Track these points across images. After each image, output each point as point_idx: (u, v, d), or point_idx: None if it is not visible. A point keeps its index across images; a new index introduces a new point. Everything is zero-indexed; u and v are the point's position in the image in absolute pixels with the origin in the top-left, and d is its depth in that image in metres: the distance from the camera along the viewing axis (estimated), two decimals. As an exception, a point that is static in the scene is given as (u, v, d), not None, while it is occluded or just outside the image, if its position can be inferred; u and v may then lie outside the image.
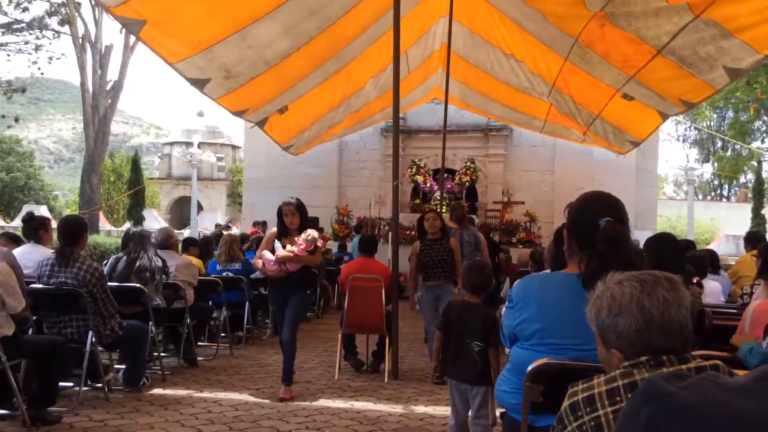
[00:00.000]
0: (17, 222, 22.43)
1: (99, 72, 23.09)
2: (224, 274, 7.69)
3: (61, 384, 4.87)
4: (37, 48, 24.54)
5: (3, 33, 24.42)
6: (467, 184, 15.00)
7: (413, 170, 15.06)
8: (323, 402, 5.38)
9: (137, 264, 5.84)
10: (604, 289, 1.59)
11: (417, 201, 15.11)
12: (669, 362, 1.49)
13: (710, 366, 1.50)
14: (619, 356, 1.56)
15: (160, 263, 5.97)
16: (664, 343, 1.50)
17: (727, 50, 5.55)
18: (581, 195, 2.44)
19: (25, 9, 23.56)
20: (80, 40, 22.96)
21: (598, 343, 1.65)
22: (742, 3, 4.94)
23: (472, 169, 14.99)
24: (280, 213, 5.63)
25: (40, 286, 5.01)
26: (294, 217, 5.59)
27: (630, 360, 1.53)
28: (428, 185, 14.92)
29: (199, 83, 6.95)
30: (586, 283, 2.16)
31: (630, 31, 6.01)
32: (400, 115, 7.15)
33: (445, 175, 12.60)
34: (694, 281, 4.35)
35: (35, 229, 5.89)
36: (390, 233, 8.93)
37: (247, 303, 7.84)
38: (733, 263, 8.77)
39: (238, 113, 8.62)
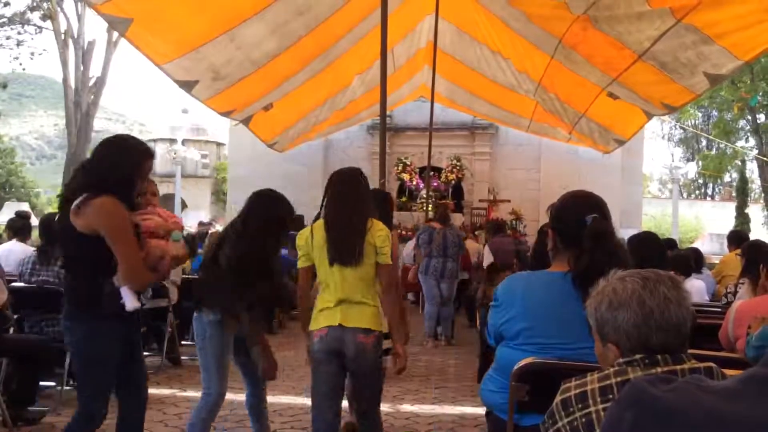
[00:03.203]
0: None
1: (81, 68, 22.90)
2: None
3: (42, 383, 4.82)
4: (19, 43, 24.27)
5: (-16, 28, 24.16)
6: (453, 182, 15.01)
7: (399, 168, 15.05)
8: (307, 401, 5.34)
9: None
10: (606, 284, 1.59)
11: (403, 199, 15.10)
12: (663, 361, 1.50)
13: (704, 368, 1.50)
14: (616, 351, 1.56)
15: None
16: (662, 341, 1.50)
17: (708, 56, 5.59)
18: (564, 194, 2.46)
19: (7, 3, 23.29)
20: (63, 36, 22.76)
21: (595, 339, 1.65)
22: (723, 9, 4.97)
23: (458, 168, 15.00)
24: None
25: (22, 284, 4.94)
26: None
27: (626, 356, 1.53)
28: (414, 183, 14.92)
29: (188, 85, 6.88)
30: (576, 280, 2.16)
31: (612, 35, 6.04)
32: (387, 112, 7.13)
33: (432, 173, 12.60)
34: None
35: (28, 227, 5.85)
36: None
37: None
38: (716, 262, 8.83)
39: (225, 113, 8.58)
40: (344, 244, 3.19)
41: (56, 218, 3.03)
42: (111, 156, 2.95)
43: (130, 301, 2.84)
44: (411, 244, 8.48)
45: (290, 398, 5.40)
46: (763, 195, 26.16)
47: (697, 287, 5.44)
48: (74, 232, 2.81)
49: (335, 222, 3.26)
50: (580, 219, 2.22)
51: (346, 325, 3.14)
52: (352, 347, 3.13)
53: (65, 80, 22.96)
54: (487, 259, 7.64)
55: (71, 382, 5.15)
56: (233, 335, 3.50)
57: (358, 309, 3.17)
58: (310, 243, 3.29)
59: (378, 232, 3.23)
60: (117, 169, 2.90)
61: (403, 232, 11.89)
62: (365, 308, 3.18)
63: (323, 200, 3.41)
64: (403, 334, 3.60)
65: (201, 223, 16.33)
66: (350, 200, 3.31)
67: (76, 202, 2.82)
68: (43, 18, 23.62)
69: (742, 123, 25.22)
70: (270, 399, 4.23)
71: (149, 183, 3.29)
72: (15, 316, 5.03)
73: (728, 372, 1.52)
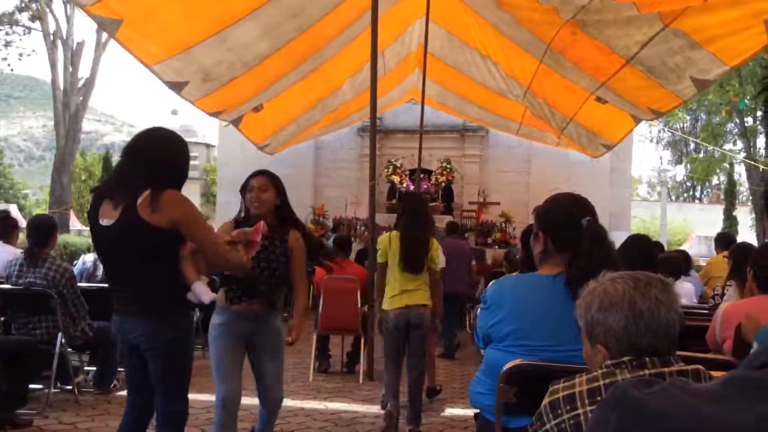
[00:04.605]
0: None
1: (70, 69, 22.76)
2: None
3: (30, 386, 4.78)
4: (7, 44, 24.10)
5: (-28, 29, 23.96)
6: (443, 184, 15.01)
7: (389, 170, 15.03)
8: (298, 403, 5.35)
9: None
10: (596, 285, 1.60)
11: (393, 201, 15.09)
12: (651, 364, 1.50)
13: (692, 371, 1.51)
14: (605, 352, 1.56)
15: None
16: (651, 343, 1.51)
17: (695, 61, 5.62)
18: (551, 197, 2.47)
19: (-5, 4, 23.14)
20: (51, 37, 22.61)
21: (583, 340, 1.65)
22: (711, 14, 4.99)
23: (448, 170, 15.00)
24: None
25: (8, 286, 4.91)
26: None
27: (615, 356, 1.54)
28: (404, 185, 14.91)
29: (177, 86, 6.85)
30: (572, 283, 2.16)
31: (600, 40, 6.06)
32: (377, 115, 7.13)
33: (422, 175, 12.61)
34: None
35: (12, 227, 5.78)
36: (366, 233, 8.91)
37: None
38: (704, 264, 8.89)
39: (215, 114, 8.55)
40: (414, 260, 4.68)
41: (110, 225, 2.78)
42: (174, 153, 2.94)
43: (207, 294, 2.85)
44: None
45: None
46: (750, 198, 26.32)
47: (686, 289, 5.48)
48: (150, 228, 2.69)
49: (409, 243, 4.69)
50: (574, 221, 2.23)
51: (410, 303, 4.69)
52: (415, 316, 4.69)
53: (54, 81, 22.81)
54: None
55: (59, 385, 5.13)
56: (241, 341, 3.53)
57: (415, 293, 4.71)
58: (388, 247, 4.77)
59: (434, 247, 4.79)
60: (177, 164, 2.94)
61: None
62: (420, 292, 4.73)
63: (399, 216, 4.98)
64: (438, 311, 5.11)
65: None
66: (420, 225, 4.76)
67: (141, 198, 2.71)
68: (32, 19, 23.46)
69: (730, 126, 25.39)
70: (255, 401, 4.20)
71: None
72: (2, 318, 5.00)
73: (716, 374, 1.53)
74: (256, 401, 3.72)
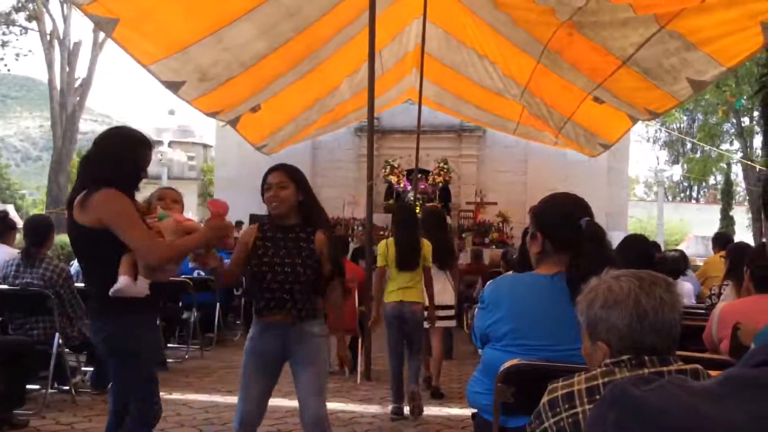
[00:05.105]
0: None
1: (67, 69, 22.74)
2: (195, 273, 7.59)
3: (27, 386, 4.78)
4: (4, 44, 24.06)
5: (-31, 29, 23.90)
6: (441, 184, 15.02)
7: (387, 170, 15.03)
8: (295, 403, 5.32)
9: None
10: (600, 282, 1.60)
11: (391, 201, 15.09)
12: (650, 363, 1.50)
13: (690, 370, 1.51)
14: (605, 350, 1.56)
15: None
16: (653, 342, 1.51)
17: (691, 62, 5.63)
18: (547, 197, 2.46)
19: (-8, 4, 23.09)
20: (48, 37, 22.59)
21: (583, 337, 1.65)
22: (707, 15, 5.00)
23: (445, 170, 15.01)
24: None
25: (5, 286, 4.90)
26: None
27: (615, 355, 1.54)
28: (402, 186, 14.91)
29: (174, 86, 6.85)
30: (573, 283, 2.15)
31: (597, 41, 6.07)
32: (374, 115, 7.14)
33: (419, 175, 12.61)
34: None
35: (10, 227, 5.77)
36: (364, 234, 8.91)
37: (217, 304, 7.76)
38: (701, 264, 8.90)
39: (212, 114, 8.55)
40: (407, 259, 5.23)
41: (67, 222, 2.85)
42: (114, 149, 2.83)
43: (114, 288, 2.68)
44: None
45: (276, 400, 5.38)
46: (747, 198, 26.39)
47: (686, 289, 5.49)
48: (82, 228, 2.68)
49: (402, 245, 5.26)
50: (573, 221, 2.23)
51: (405, 300, 5.22)
52: (408, 312, 5.22)
53: (51, 81, 22.80)
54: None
55: (56, 385, 5.12)
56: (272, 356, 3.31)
57: (411, 290, 5.25)
58: (386, 252, 5.29)
59: (426, 247, 5.31)
60: (121, 162, 2.79)
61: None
62: (415, 290, 5.28)
63: (392, 225, 5.66)
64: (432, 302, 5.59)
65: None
66: (411, 230, 5.32)
67: (77, 198, 2.69)
68: (29, 19, 23.43)
69: (726, 126, 25.43)
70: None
71: (170, 190, 3.24)
72: (-1, 319, 4.99)
73: (713, 374, 1.53)
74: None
